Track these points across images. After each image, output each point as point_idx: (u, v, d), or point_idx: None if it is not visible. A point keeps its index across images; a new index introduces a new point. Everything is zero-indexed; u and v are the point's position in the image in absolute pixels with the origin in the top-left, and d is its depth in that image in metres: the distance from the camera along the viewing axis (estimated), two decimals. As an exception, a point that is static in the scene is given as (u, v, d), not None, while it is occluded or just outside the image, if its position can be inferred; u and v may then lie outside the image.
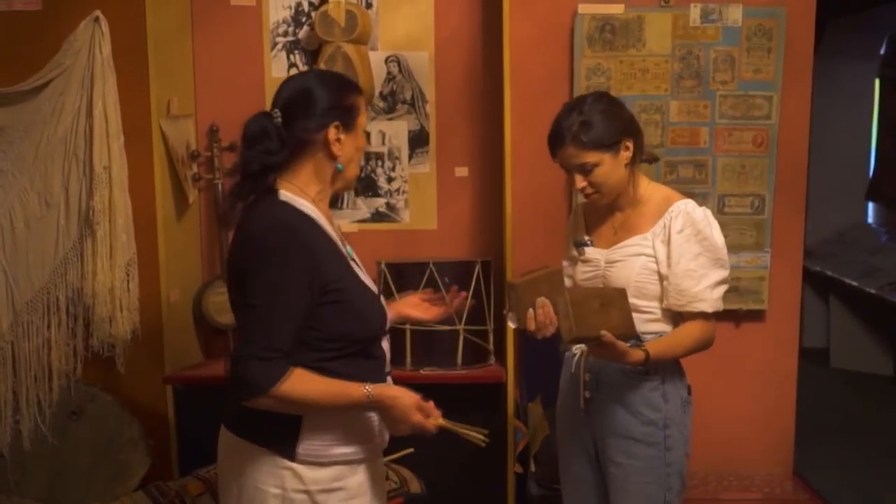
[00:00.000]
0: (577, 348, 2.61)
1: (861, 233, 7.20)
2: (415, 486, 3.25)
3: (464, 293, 2.50)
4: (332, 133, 2.09)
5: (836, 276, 6.56)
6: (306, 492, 2.07)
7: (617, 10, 3.64)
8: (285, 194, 2.09)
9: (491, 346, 3.58)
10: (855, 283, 6.32)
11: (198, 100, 3.79)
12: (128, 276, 3.44)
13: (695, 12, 3.63)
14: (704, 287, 2.41)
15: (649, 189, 2.55)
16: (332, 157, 2.11)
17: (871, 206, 7.37)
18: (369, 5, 3.75)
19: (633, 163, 2.48)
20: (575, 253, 2.68)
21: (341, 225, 3.77)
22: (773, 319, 3.80)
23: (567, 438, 2.69)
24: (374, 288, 2.20)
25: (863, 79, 7.09)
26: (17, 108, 3.42)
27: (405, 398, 2.07)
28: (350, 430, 2.11)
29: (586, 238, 2.63)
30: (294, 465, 2.06)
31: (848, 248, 6.95)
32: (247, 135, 2.10)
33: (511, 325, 2.48)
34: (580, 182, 2.46)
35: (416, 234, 3.86)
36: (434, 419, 2.09)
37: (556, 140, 2.46)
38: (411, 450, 3.25)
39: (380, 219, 3.85)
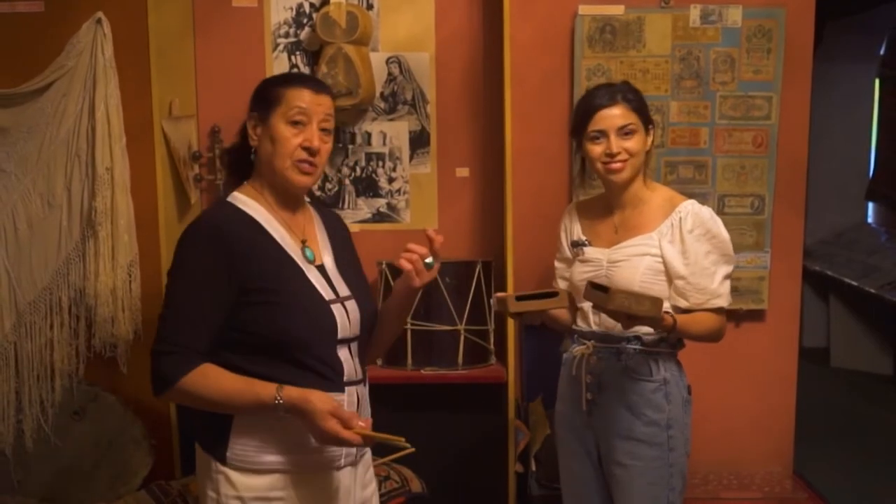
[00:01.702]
0: (578, 350, 2.61)
1: (861, 233, 7.21)
2: (416, 485, 3.26)
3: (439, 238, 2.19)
4: (249, 125, 2.13)
5: (836, 275, 6.57)
6: (239, 498, 2.03)
7: (617, 10, 3.65)
8: (235, 195, 2.13)
9: (492, 346, 3.58)
10: (855, 283, 6.34)
11: (199, 101, 3.80)
12: (130, 276, 3.44)
13: (694, 13, 3.64)
14: (718, 284, 2.47)
15: (651, 187, 2.59)
16: (252, 148, 2.14)
17: (870, 206, 7.38)
18: (370, 6, 3.76)
19: (649, 153, 2.56)
20: (569, 254, 2.68)
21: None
22: (773, 319, 3.81)
23: (567, 440, 2.69)
24: (328, 294, 2.10)
25: (862, 79, 7.10)
26: (20, 110, 3.42)
27: (317, 402, 1.91)
28: (285, 437, 2.03)
29: (584, 238, 2.63)
30: (226, 469, 2.03)
31: (848, 248, 6.97)
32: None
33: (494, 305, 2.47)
34: (617, 145, 2.46)
35: (417, 234, 3.83)
36: (357, 430, 1.92)
37: (606, 97, 2.49)
38: (412, 449, 3.26)
39: (381, 219, 3.86)
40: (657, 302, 2.25)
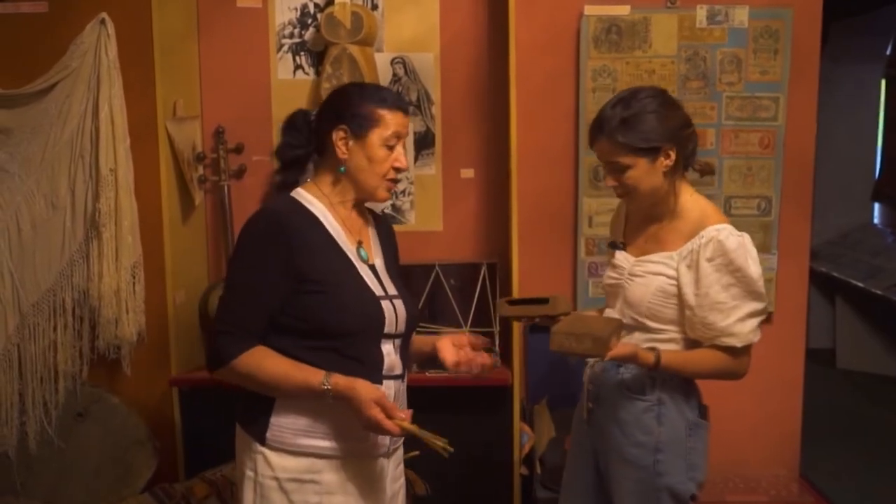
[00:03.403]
0: (593, 359, 2.55)
1: (867, 233, 7.18)
2: (420, 488, 3.25)
3: (490, 360, 2.34)
4: (336, 135, 2.16)
5: (842, 277, 6.54)
6: (275, 478, 2.12)
7: (623, 11, 3.63)
8: (299, 191, 2.21)
9: (497, 349, 3.56)
10: (861, 284, 6.31)
11: (204, 101, 3.79)
12: (134, 277, 3.44)
13: (701, 14, 3.62)
14: (734, 321, 2.25)
15: (689, 202, 2.37)
16: (340, 160, 2.18)
17: (876, 206, 7.35)
18: (375, 7, 3.74)
19: (673, 172, 2.33)
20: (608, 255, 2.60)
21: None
22: (780, 321, 3.78)
23: (575, 446, 2.64)
24: (378, 290, 2.19)
25: (869, 80, 7.08)
26: (24, 110, 3.42)
27: (362, 391, 2.02)
28: (322, 423, 2.12)
29: (620, 241, 2.51)
30: (264, 449, 2.12)
31: (854, 249, 6.94)
32: (282, 125, 2.27)
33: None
34: (610, 181, 2.34)
35: (421, 235, 3.85)
36: (398, 421, 2.02)
37: (594, 130, 2.34)
38: (417, 452, 3.25)
39: (385, 220, 3.83)
40: (599, 342, 2.15)
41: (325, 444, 2.13)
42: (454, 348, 2.31)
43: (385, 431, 2.02)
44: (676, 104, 2.37)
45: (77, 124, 3.39)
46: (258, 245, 2.10)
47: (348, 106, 2.17)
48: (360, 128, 2.15)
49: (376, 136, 2.15)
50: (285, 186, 2.23)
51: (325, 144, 2.20)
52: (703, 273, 2.25)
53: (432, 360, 2.35)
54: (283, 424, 2.12)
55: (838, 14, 6.09)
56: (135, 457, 3.47)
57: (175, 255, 3.51)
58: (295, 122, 2.25)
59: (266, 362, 2.07)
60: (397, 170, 2.20)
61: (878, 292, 6.10)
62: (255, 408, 2.14)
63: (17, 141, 3.42)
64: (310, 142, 2.24)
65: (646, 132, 2.27)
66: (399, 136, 2.18)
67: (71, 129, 3.39)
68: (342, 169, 2.18)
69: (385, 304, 2.19)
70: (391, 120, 2.16)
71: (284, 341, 2.10)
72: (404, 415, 2.06)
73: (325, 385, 2.03)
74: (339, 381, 2.03)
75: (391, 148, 2.17)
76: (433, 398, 3.39)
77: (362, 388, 2.02)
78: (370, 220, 2.35)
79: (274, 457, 2.12)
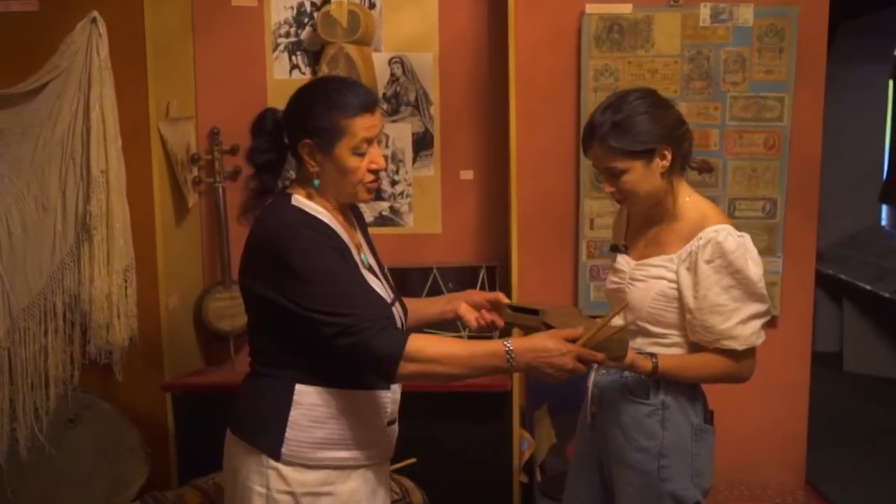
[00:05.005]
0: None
1: (874, 235, 7.13)
2: (417, 496, 3.19)
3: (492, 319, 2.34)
4: (302, 149, 2.05)
5: (849, 279, 6.49)
6: (290, 493, 2.05)
7: (625, 9, 3.58)
8: (297, 199, 2.08)
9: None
10: (868, 287, 6.25)
11: (198, 102, 3.74)
12: (126, 281, 3.39)
13: (704, 12, 3.56)
14: (735, 323, 2.20)
15: (688, 203, 2.32)
16: (312, 174, 2.07)
17: (884, 208, 7.30)
18: (372, 5, 3.69)
19: (671, 172, 2.27)
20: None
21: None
22: (786, 325, 3.73)
23: (578, 451, 2.59)
24: (386, 296, 2.14)
25: (876, 80, 7.03)
26: (14, 111, 3.37)
27: (548, 343, 1.97)
28: (337, 433, 2.07)
29: (622, 244, 2.46)
30: (279, 465, 2.05)
31: (861, 251, 6.89)
32: (251, 127, 2.14)
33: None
34: (607, 187, 2.29)
35: (420, 238, 3.80)
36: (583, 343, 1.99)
37: (586, 137, 2.28)
38: (414, 459, 3.19)
39: (383, 223, 3.79)
40: (622, 343, 2.12)
41: (341, 454, 2.08)
42: (472, 312, 2.33)
43: (593, 360, 2.02)
44: (668, 104, 2.32)
45: (68, 125, 3.33)
46: (318, 249, 1.97)
47: (308, 118, 2.02)
48: (326, 142, 2.01)
49: (344, 149, 2.01)
50: (265, 192, 2.11)
51: (297, 152, 2.08)
52: (702, 275, 2.21)
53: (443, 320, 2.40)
54: (301, 438, 2.04)
55: (845, 15, 6.04)
56: (127, 464, 3.43)
57: (168, 259, 3.46)
58: (264, 124, 2.12)
59: (438, 344, 1.97)
60: (375, 171, 2.07)
61: (886, 295, 6.05)
62: (266, 422, 2.06)
63: (7, 142, 3.36)
64: (281, 144, 2.11)
65: (639, 134, 2.21)
66: (370, 141, 2.04)
67: (62, 129, 3.34)
68: (316, 183, 2.06)
69: (395, 309, 2.16)
70: (358, 127, 2.00)
71: (295, 348, 2.02)
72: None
73: (506, 346, 1.94)
74: (519, 346, 1.96)
75: (363, 154, 2.04)
76: (433, 404, 3.35)
77: (543, 340, 1.97)
78: (353, 221, 2.25)
79: (289, 471, 2.04)
